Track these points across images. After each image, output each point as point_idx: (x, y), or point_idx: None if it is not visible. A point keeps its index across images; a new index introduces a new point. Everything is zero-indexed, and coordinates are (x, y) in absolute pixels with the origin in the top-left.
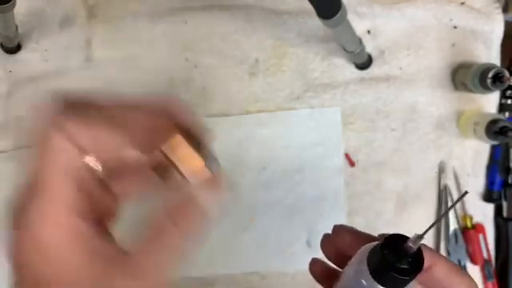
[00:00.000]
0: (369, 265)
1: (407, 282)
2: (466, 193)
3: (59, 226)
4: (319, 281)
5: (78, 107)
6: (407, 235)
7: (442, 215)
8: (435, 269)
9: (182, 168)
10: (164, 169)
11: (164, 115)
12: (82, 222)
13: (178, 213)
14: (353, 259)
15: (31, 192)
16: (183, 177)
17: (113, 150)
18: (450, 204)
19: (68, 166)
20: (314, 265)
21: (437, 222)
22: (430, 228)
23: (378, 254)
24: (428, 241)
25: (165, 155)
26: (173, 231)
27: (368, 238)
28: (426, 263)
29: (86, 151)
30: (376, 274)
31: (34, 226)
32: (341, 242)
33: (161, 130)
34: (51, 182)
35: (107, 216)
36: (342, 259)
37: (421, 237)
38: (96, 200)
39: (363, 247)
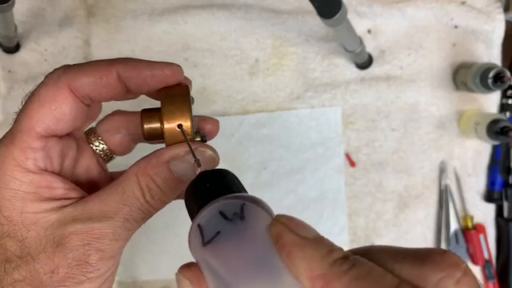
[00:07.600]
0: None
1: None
2: None
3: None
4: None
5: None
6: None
7: None
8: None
9: (165, 116)
10: (150, 113)
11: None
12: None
13: (144, 168)
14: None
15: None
16: (162, 126)
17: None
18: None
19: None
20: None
21: None
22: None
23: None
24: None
25: (159, 93)
26: (133, 183)
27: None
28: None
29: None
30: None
31: None
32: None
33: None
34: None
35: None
36: None
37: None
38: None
39: None
